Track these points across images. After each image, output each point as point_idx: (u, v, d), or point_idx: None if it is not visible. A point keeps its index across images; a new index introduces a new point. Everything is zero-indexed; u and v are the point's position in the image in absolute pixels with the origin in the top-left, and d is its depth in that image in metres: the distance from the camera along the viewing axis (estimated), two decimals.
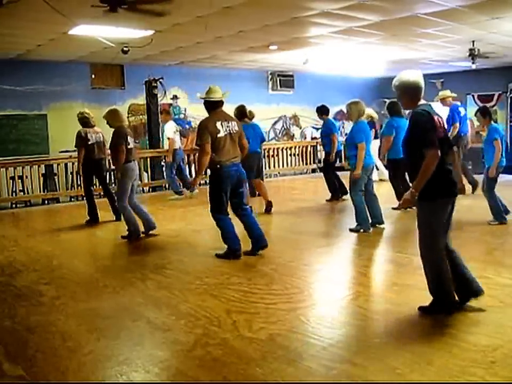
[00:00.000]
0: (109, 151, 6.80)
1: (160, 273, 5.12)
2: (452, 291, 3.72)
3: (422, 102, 3.72)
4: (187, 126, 13.49)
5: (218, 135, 5.26)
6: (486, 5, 6.75)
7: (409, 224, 7.25)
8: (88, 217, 7.70)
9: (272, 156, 13.50)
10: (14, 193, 9.99)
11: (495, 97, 14.79)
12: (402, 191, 7.52)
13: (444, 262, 3.68)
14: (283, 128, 15.49)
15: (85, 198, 7.93)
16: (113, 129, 6.55)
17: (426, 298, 4.14)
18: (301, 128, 15.90)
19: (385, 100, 15.84)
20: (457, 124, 9.02)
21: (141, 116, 12.55)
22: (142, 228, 6.61)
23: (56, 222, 7.79)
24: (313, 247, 6.07)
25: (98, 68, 11.71)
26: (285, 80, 14.61)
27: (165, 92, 11.58)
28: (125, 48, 8.62)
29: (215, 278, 4.90)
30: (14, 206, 10.07)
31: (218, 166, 5.31)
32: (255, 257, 5.60)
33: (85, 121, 7.66)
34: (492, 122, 6.74)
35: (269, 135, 14.95)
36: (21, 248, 6.43)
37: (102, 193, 8.49)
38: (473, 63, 10.36)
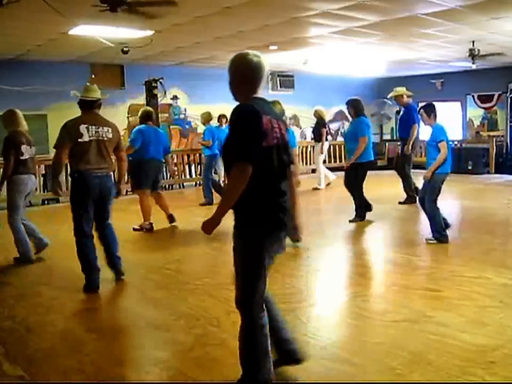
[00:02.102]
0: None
1: (159, 274, 5.12)
2: (266, 365, 2.69)
3: (259, 95, 2.81)
4: (187, 127, 13.49)
5: (80, 140, 4.54)
6: (486, 5, 6.75)
7: (408, 224, 7.27)
8: None
9: None
10: None
11: (495, 98, 14.78)
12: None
13: (258, 324, 2.68)
14: None
15: None
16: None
17: (425, 299, 4.15)
18: (301, 128, 15.89)
19: (385, 99, 15.87)
20: (416, 125, 8.19)
21: None
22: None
23: (56, 222, 7.77)
24: (312, 247, 6.07)
25: (98, 68, 11.70)
26: (285, 80, 14.60)
27: (165, 92, 11.59)
28: (124, 48, 8.62)
29: (214, 278, 4.90)
30: None
31: (76, 175, 4.59)
32: None
33: None
34: (437, 122, 5.81)
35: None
36: None
37: None
38: (473, 63, 10.35)
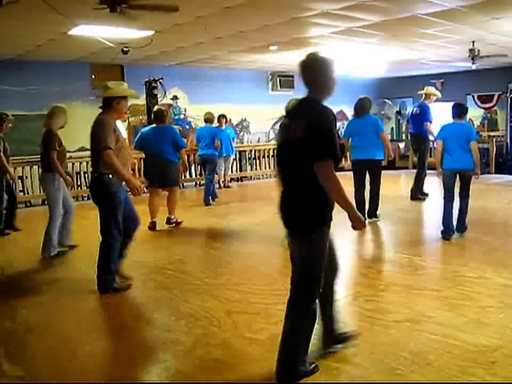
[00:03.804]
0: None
1: (160, 274, 5.12)
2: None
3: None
4: (187, 127, 13.49)
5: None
6: (486, 5, 6.75)
7: (410, 224, 7.26)
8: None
9: (272, 156, 13.53)
10: None
11: (495, 98, 14.79)
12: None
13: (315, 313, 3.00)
14: None
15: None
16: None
17: (426, 299, 4.15)
18: None
19: (386, 100, 15.87)
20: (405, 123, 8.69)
21: (140, 116, 12.55)
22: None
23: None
24: None
25: (98, 68, 11.70)
26: (285, 80, 14.60)
27: (165, 92, 11.58)
28: (125, 49, 8.62)
29: (215, 278, 4.90)
30: None
31: None
32: (255, 258, 5.59)
33: None
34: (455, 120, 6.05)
35: (269, 135, 14.97)
36: (21, 248, 6.43)
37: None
38: (473, 63, 10.35)
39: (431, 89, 9.08)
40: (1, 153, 6.92)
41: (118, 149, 4.36)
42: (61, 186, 5.79)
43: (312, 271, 2.89)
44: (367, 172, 7.10)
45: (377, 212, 7.15)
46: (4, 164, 6.89)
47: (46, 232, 5.79)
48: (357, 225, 2.83)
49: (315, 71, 2.83)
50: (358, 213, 2.83)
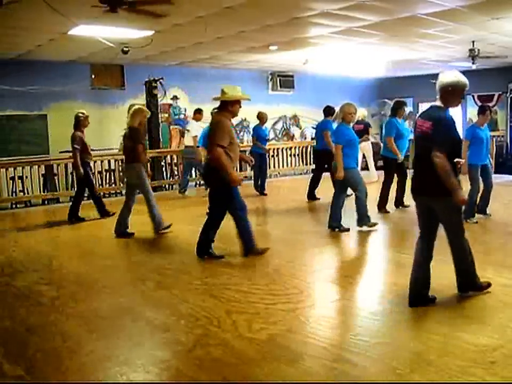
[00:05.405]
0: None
1: (160, 273, 5.11)
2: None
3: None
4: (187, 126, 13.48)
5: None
6: (486, 5, 6.76)
7: (409, 224, 7.25)
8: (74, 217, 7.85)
9: (272, 156, 13.53)
10: (14, 194, 9.99)
11: (495, 98, 14.79)
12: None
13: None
14: (283, 129, 15.51)
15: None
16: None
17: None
18: (301, 128, 15.91)
19: (385, 100, 15.88)
20: None
21: None
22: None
23: (56, 222, 7.80)
24: (313, 247, 6.07)
25: (98, 68, 11.71)
26: (285, 80, 14.62)
27: (165, 92, 11.59)
28: (125, 49, 8.63)
29: (215, 278, 4.90)
30: (14, 206, 10.07)
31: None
32: (255, 258, 5.60)
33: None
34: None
35: (269, 135, 14.99)
36: (21, 248, 6.42)
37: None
38: (473, 63, 10.35)
39: None
40: (77, 152, 7.50)
41: (231, 145, 5.12)
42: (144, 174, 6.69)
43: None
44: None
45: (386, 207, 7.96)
46: (77, 160, 7.54)
47: (150, 214, 6.72)
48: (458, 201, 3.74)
49: (439, 86, 4.09)
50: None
